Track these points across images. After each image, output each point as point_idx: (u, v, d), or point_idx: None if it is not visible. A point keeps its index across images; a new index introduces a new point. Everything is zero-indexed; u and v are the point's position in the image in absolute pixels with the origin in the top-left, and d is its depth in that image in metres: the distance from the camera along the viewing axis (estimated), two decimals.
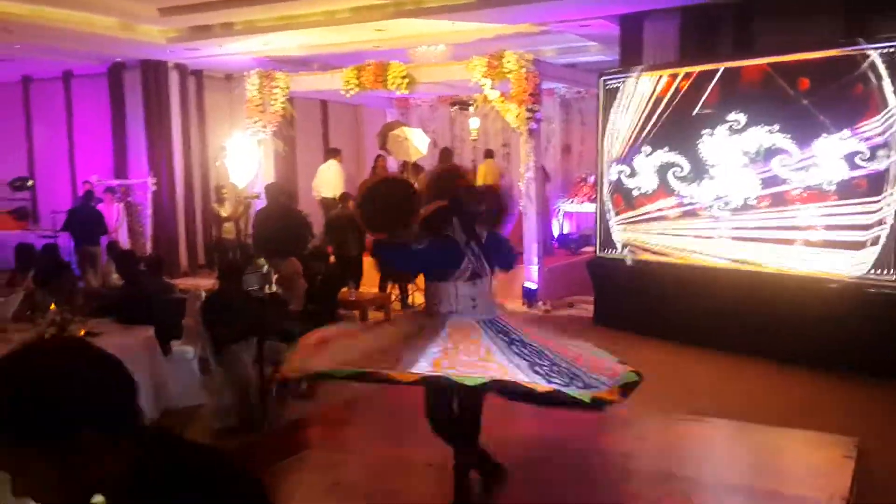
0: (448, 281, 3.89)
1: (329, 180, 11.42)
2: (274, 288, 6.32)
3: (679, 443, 5.11)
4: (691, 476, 4.59)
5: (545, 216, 10.54)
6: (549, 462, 4.58)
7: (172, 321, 6.11)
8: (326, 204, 10.88)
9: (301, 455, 5.05)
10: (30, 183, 10.38)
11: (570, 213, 12.50)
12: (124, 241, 10.89)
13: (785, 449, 4.92)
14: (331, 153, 12.08)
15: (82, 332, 5.33)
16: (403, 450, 4.75)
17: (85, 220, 9.76)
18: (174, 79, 12.17)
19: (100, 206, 10.50)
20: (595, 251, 8.81)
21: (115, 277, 7.63)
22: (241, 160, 11.17)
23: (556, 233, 12.05)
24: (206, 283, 8.77)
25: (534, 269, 9.67)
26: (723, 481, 4.56)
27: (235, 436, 5.33)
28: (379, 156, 11.94)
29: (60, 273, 5.88)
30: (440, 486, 4.08)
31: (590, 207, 11.19)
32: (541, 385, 3.40)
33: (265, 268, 6.49)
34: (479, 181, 10.92)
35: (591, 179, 11.43)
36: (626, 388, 3.62)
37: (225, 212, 10.40)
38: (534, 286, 9.60)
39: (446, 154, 11.25)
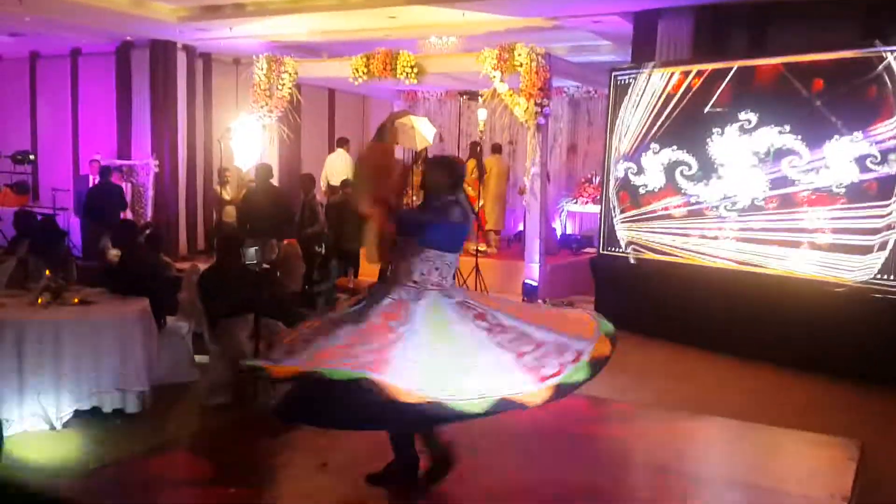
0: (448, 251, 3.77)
1: (337, 169, 11.34)
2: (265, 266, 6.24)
3: (680, 438, 5.02)
4: (691, 470, 4.50)
5: (547, 214, 10.44)
6: (547, 446, 4.48)
7: (167, 295, 6.02)
8: (334, 192, 10.80)
9: (290, 435, 4.95)
10: (31, 157, 10.30)
11: (573, 213, 12.41)
12: None
13: (786, 448, 4.83)
14: (339, 142, 12.04)
15: (76, 301, 5.25)
16: None
17: (106, 197, 9.65)
18: (182, 60, 12.09)
19: None
20: (598, 249, 8.71)
21: (112, 254, 7.54)
22: (246, 143, 11.08)
23: (558, 233, 11.96)
24: (204, 266, 8.70)
25: (535, 267, 9.60)
26: (723, 477, 4.47)
27: (227, 413, 5.26)
28: None
29: (56, 241, 5.79)
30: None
31: (593, 208, 11.11)
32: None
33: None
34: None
35: (597, 180, 11.35)
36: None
37: (227, 195, 10.30)
38: (535, 283, 9.52)
39: (475, 147, 11.10)
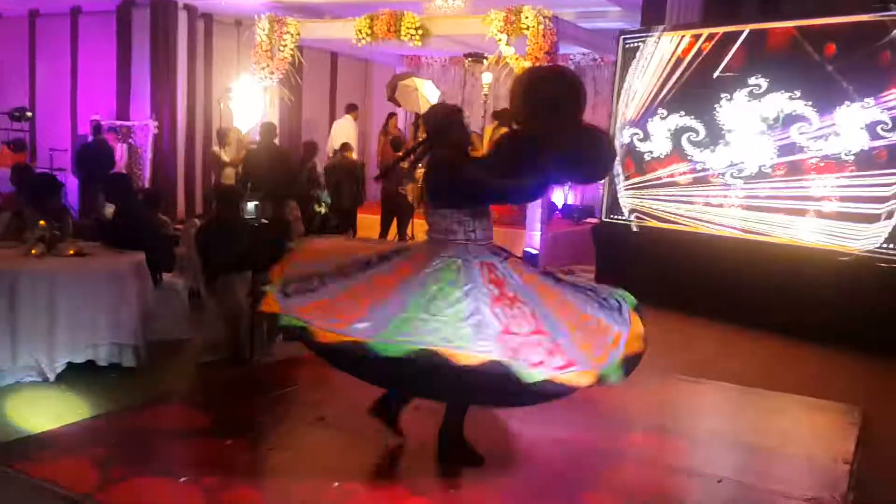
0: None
1: (343, 135, 11.25)
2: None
3: (682, 401, 4.99)
4: (692, 432, 4.46)
5: None
6: (548, 408, 4.41)
7: (164, 251, 5.94)
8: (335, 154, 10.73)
9: (287, 391, 4.92)
10: (28, 114, 10.17)
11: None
12: None
13: (788, 412, 4.78)
14: (348, 108, 12.00)
15: (71, 252, 5.17)
16: None
17: (96, 155, 9.54)
18: (183, 20, 11.88)
19: None
20: (600, 216, 8.62)
21: (108, 212, 7.45)
22: (246, 105, 10.94)
23: (559, 203, 11.85)
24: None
25: (536, 235, 9.52)
26: (725, 438, 4.43)
27: (223, 369, 5.20)
28: (391, 114, 11.77)
29: (52, 191, 5.69)
30: (425, 427, 3.92)
31: None
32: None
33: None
34: (487, 143, 10.73)
35: None
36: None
37: (227, 156, 10.17)
38: (535, 251, 9.45)
39: (503, 115, 10.87)
